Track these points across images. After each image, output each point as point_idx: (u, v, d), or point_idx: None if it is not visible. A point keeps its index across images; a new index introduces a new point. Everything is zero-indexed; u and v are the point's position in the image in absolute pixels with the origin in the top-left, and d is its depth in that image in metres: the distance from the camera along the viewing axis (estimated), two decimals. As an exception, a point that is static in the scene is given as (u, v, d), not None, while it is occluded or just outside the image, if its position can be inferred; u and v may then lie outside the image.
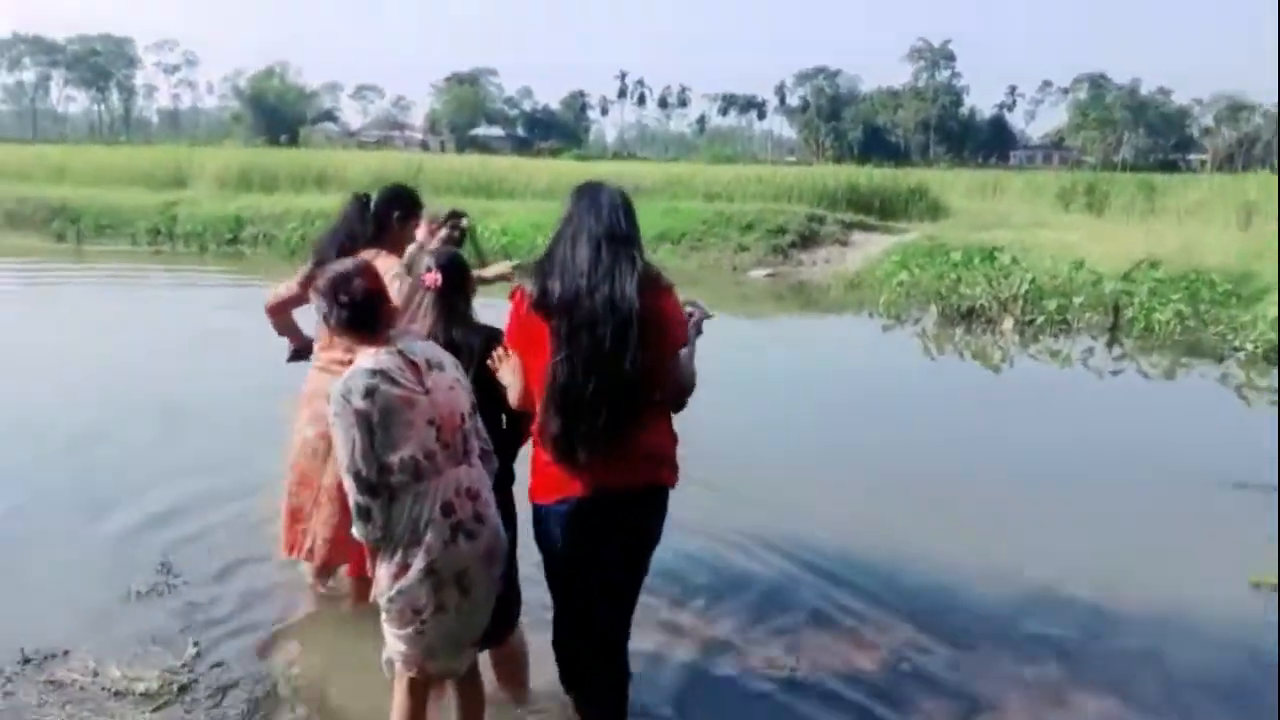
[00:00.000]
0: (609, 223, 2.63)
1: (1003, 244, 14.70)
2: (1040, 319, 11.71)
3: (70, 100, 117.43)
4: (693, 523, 5.00)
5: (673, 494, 2.81)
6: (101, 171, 26.00)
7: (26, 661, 3.47)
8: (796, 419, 7.57)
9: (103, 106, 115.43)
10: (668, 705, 3.42)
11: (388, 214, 3.87)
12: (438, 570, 2.55)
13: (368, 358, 2.55)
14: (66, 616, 3.86)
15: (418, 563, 2.54)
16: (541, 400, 2.61)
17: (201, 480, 5.43)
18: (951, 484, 6.00)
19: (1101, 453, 6.84)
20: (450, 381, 2.62)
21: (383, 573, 2.59)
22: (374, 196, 3.94)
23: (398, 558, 2.55)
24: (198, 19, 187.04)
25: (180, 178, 25.10)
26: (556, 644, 2.91)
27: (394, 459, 2.50)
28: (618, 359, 2.55)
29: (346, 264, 2.69)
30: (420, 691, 2.77)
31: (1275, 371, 9.57)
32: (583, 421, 2.57)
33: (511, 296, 2.71)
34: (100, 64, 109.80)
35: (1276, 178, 20.30)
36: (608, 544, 2.74)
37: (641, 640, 3.68)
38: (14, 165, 27.25)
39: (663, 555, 3.73)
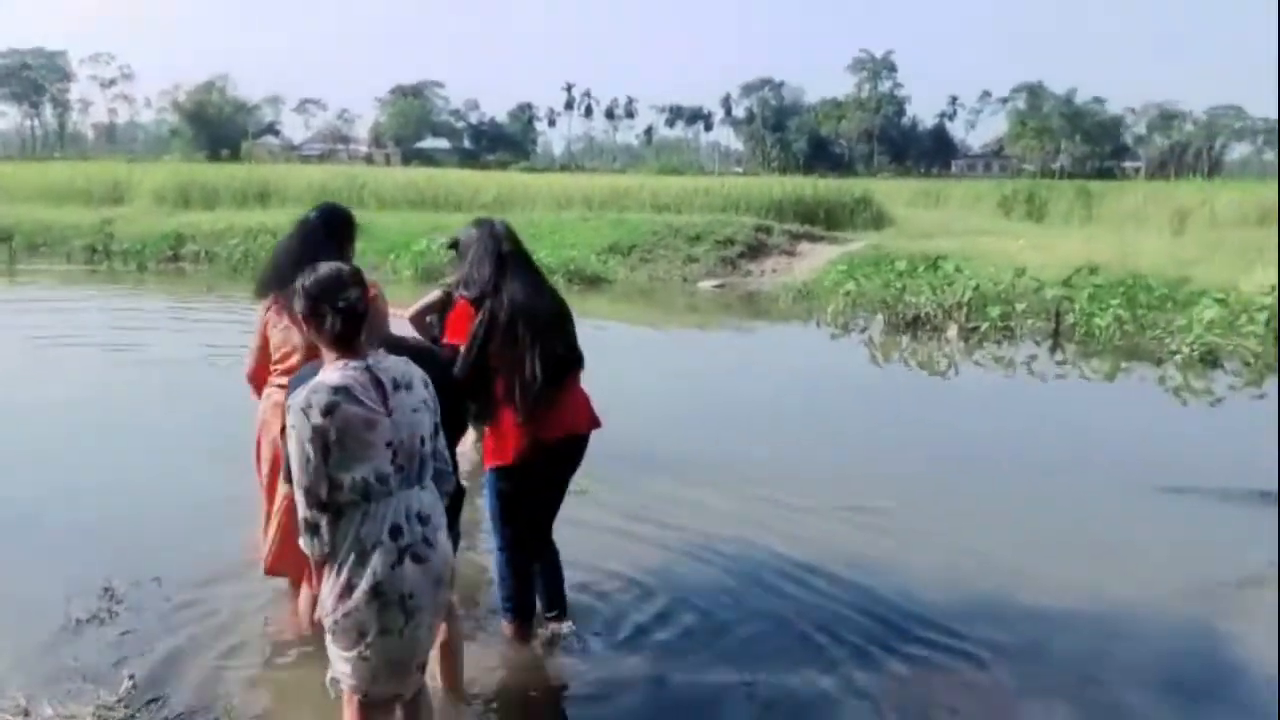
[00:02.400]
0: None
1: (946, 252, 14.95)
2: (984, 326, 11.89)
3: (1, 115, 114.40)
4: (650, 535, 5.00)
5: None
6: (35, 188, 25.36)
7: (-48, 699, 3.32)
8: (742, 425, 7.58)
9: (36, 121, 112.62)
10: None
11: (349, 236, 3.84)
12: (384, 592, 2.50)
13: (334, 372, 2.50)
14: (4, 646, 3.73)
15: (363, 584, 2.49)
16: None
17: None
18: (899, 490, 6.05)
19: (1045, 458, 6.96)
20: (416, 403, 2.58)
21: (326, 591, 2.54)
22: (321, 215, 3.82)
23: (342, 577, 2.51)
24: (132, 32, 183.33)
25: (118, 194, 24.60)
26: (514, 571, 3.74)
27: (345, 478, 2.46)
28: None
29: (341, 267, 2.60)
30: (367, 714, 2.68)
31: (1214, 374, 9.85)
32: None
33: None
34: (32, 78, 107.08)
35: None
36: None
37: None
38: (-58, 183, 26.49)
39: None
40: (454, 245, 3.72)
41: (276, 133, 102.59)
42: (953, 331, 11.83)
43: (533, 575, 3.83)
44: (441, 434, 2.71)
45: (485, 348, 3.47)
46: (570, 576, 4.02)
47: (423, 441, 2.59)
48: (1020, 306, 12.30)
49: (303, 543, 2.52)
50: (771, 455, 6.77)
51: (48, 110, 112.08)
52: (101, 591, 4.22)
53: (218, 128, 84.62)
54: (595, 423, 3.76)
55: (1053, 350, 11.25)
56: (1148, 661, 3.99)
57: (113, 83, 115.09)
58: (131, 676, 3.52)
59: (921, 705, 3.58)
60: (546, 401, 3.52)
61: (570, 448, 3.70)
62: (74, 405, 7.55)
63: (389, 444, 2.49)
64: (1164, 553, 5.17)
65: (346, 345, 2.54)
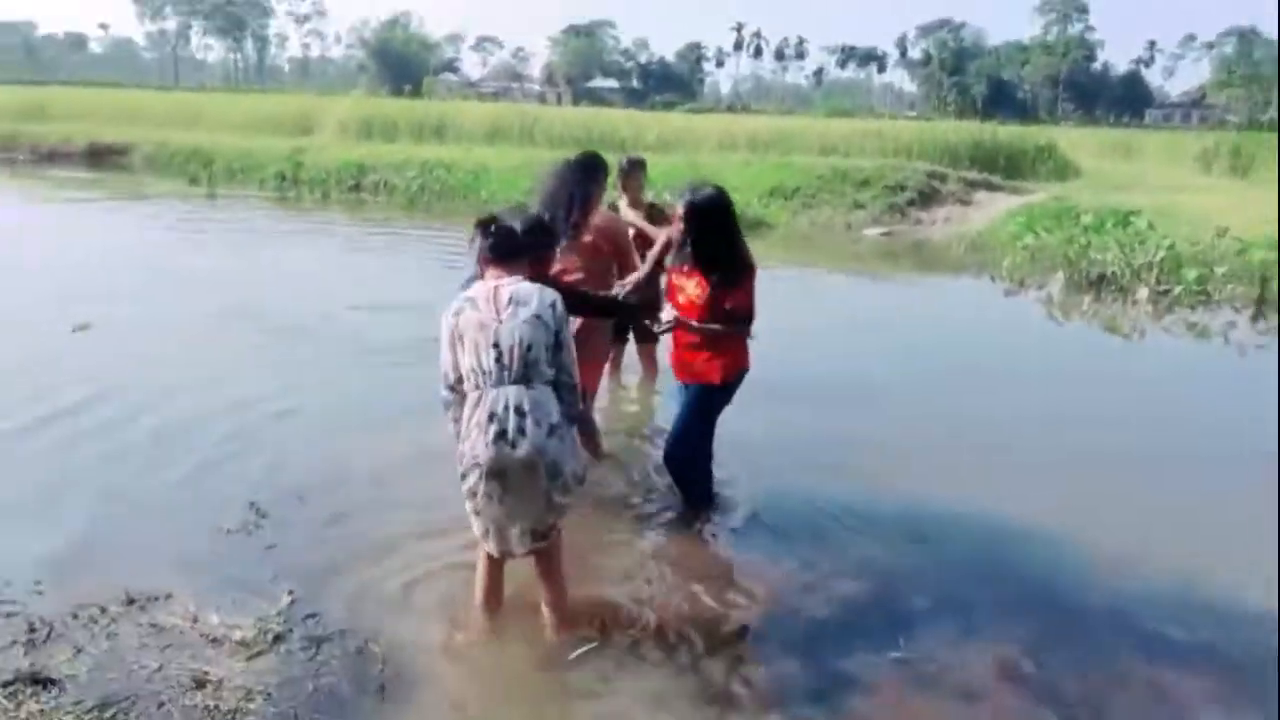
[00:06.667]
0: None
1: (1138, 207, 13.79)
2: (1178, 289, 10.96)
3: (208, 49, 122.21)
4: (800, 495, 4.86)
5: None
6: (234, 118, 27.00)
7: (130, 603, 3.54)
8: (902, 386, 7.26)
9: (238, 55, 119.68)
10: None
11: (594, 179, 4.80)
12: (481, 465, 3.16)
13: (475, 285, 3.30)
14: (167, 556, 3.97)
15: (468, 456, 3.19)
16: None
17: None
18: (1071, 462, 5.67)
19: (1240, 434, 6.35)
20: (528, 316, 3.17)
21: (459, 454, 3.25)
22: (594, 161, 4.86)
23: (462, 448, 3.22)
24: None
25: (307, 125, 25.84)
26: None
27: (464, 367, 3.20)
28: None
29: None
30: (488, 563, 3.45)
31: None
32: None
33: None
34: (236, 13, 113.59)
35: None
36: None
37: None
38: (155, 112, 28.56)
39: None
40: None
41: (456, 70, 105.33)
42: (1142, 293, 10.95)
43: None
44: (565, 352, 3.25)
45: None
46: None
47: (530, 349, 3.15)
48: (1220, 270, 11.24)
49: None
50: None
51: (249, 45, 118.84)
52: (247, 506, 4.44)
53: (401, 64, 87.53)
54: None
55: (1254, 319, 10.26)
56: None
57: (307, 19, 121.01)
58: (291, 592, 3.69)
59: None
60: None
61: None
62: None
63: (495, 344, 3.14)
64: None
65: (499, 265, 3.31)
